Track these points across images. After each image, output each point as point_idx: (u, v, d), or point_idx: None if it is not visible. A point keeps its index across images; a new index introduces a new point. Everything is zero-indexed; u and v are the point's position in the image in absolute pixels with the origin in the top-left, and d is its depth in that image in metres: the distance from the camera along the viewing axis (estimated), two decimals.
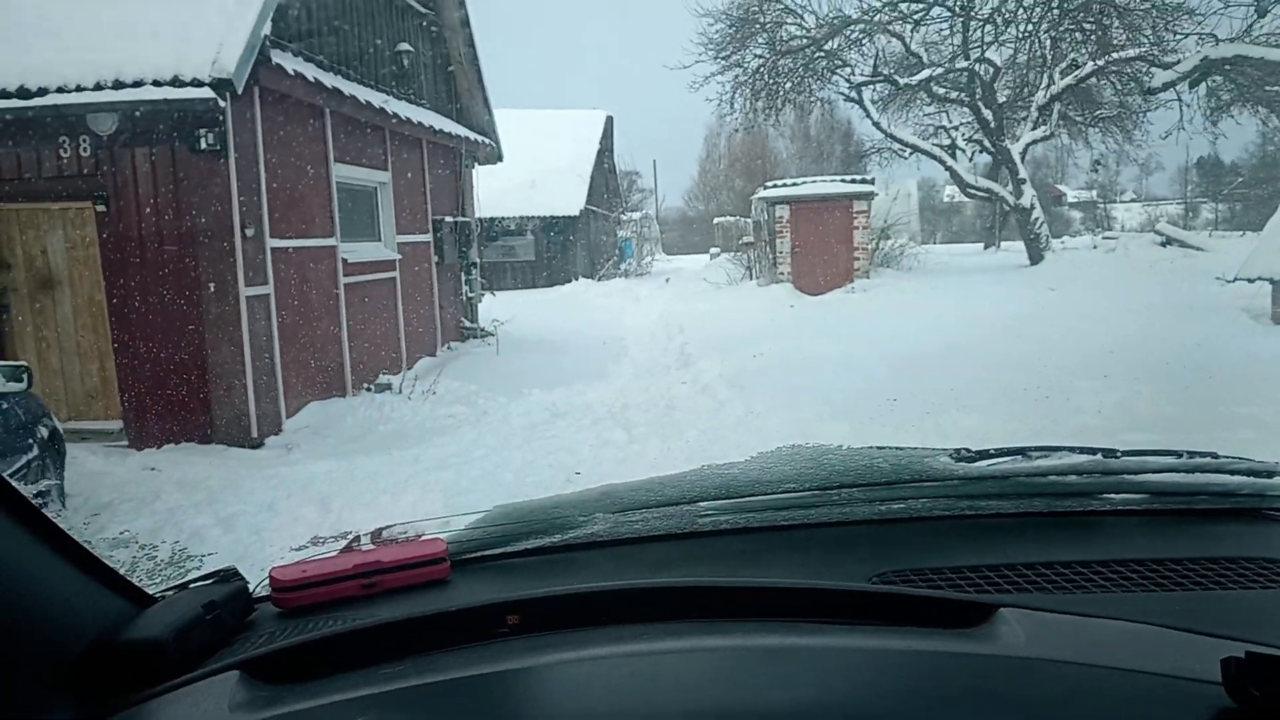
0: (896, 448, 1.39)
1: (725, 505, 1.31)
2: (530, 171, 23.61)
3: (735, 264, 21.97)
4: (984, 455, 1.41)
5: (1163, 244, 21.48)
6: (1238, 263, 13.47)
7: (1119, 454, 1.41)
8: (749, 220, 23.58)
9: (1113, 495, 1.36)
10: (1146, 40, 17.08)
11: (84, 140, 7.39)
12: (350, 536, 1.40)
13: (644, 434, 7.63)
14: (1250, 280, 12.82)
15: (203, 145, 7.04)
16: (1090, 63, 19.96)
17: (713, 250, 29.70)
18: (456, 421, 8.63)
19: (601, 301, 20.02)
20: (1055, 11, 19.58)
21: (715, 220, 33.36)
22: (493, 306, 15.45)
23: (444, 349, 13.03)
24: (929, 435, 7.15)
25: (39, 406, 6.11)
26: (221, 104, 6.86)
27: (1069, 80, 20.44)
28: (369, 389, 10.06)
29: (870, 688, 0.80)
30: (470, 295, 14.50)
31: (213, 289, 7.57)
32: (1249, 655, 0.73)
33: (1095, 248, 23.58)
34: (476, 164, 15.27)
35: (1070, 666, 0.81)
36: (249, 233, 7.72)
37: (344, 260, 9.81)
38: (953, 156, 24.19)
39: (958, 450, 1.41)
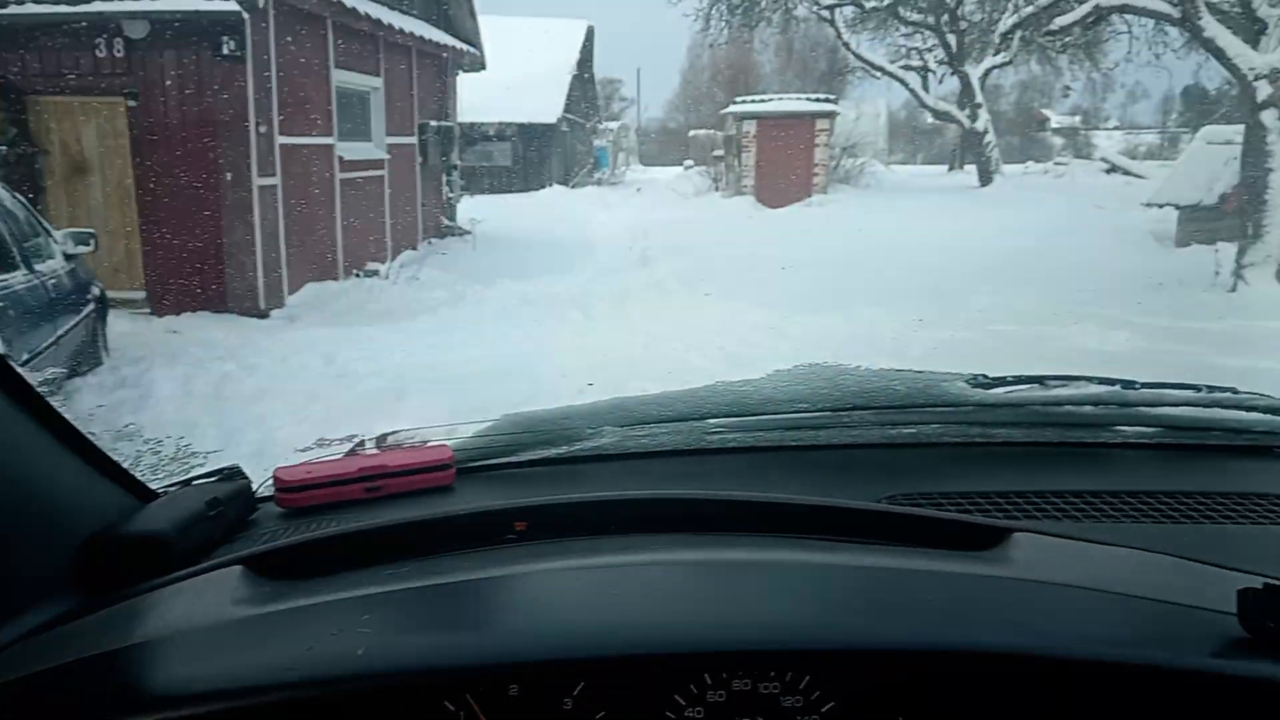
0: (914, 371, 1.39)
1: (735, 423, 1.31)
2: (510, 79, 24.33)
3: (704, 176, 23.07)
4: (1000, 382, 1.40)
5: (1108, 171, 22.80)
6: None
7: (1137, 385, 1.40)
8: (722, 134, 24.59)
9: (1126, 427, 1.36)
10: None
11: (118, 43, 8.47)
12: (355, 440, 1.41)
13: (599, 314, 9.00)
14: (1160, 206, 14.17)
15: (225, 51, 8.16)
16: None
17: (686, 162, 30.60)
18: (438, 303, 9.92)
19: (573, 207, 21.13)
20: None
21: (690, 133, 34.22)
22: (470, 207, 16.59)
23: (425, 244, 14.23)
24: (837, 323, 8.51)
25: (89, 270, 7.36)
26: (244, 15, 7.97)
27: (1031, 9, 21.36)
28: (358, 275, 11.30)
29: (882, 603, 0.81)
30: (450, 196, 15.64)
31: (229, 177, 8.75)
32: (1267, 587, 0.73)
33: (1046, 173, 24.84)
34: (461, 71, 16.21)
35: (1083, 591, 0.81)
36: (262, 130, 8.87)
37: (340, 158, 10.97)
38: (924, 80, 25.19)
39: (974, 376, 1.39)
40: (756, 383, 1.36)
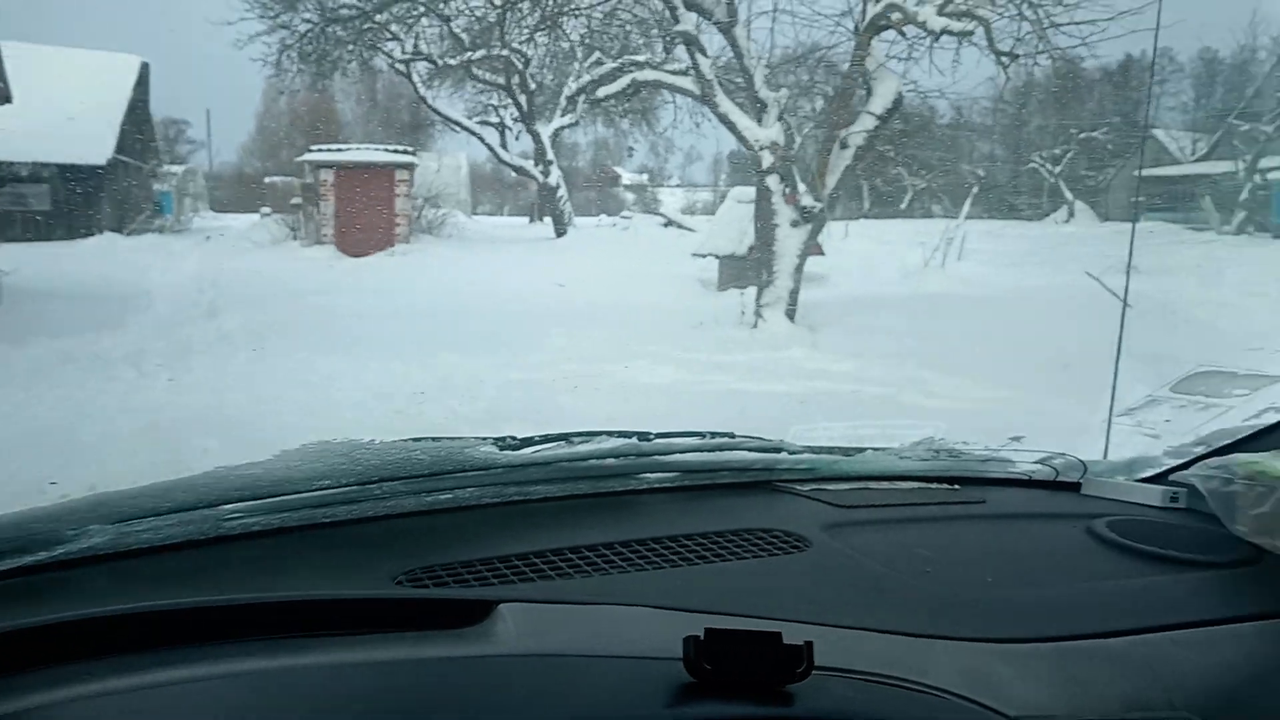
0: (433, 438, 1.42)
1: (257, 505, 1.19)
2: (47, 115, 21.70)
3: (281, 225, 22.18)
4: (528, 443, 1.44)
5: (665, 225, 25.37)
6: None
7: (651, 436, 1.51)
8: (300, 181, 23.79)
9: (650, 474, 1.46)
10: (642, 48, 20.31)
11: None
12: None
13: (154, 372, 8.32)
14: (703, 256, 16.12)
15: None
16: (609, 61, 22.98)
17: (263, 210, 29.16)
18: None
19: (129, 257, 19.23)
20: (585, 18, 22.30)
21: (267, 179, 32.75)
22: None
23: None
24: (414, 369, 8.64)
25: None
26: None
27: (590, 77, 23.31)
28: None
29: (360, 706, 0.77)
30: None
31: None
32: (707, 631, 0.76)
33: (615, 226, 27.07)
34: None
35: (553, 659, 0.82)
36: None
37: None
38: (503, 136, 26.32)
39: (500, 439, 1.43)
40: (266, 464, 1.28)
